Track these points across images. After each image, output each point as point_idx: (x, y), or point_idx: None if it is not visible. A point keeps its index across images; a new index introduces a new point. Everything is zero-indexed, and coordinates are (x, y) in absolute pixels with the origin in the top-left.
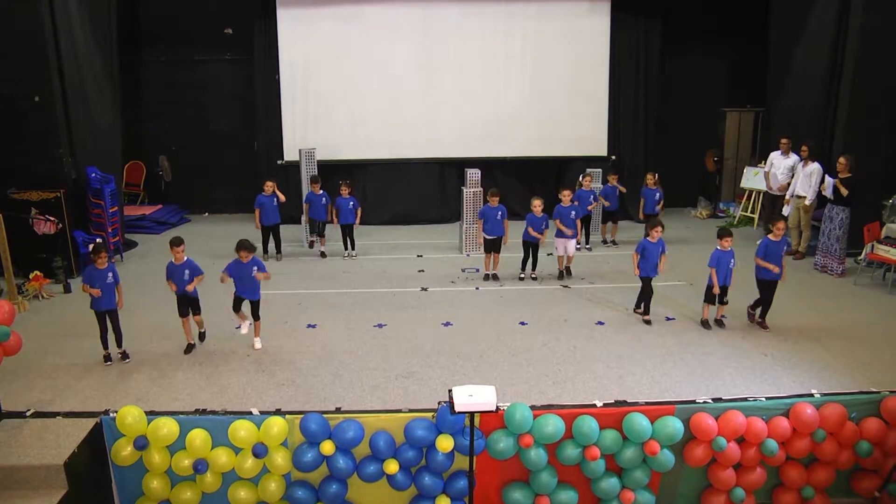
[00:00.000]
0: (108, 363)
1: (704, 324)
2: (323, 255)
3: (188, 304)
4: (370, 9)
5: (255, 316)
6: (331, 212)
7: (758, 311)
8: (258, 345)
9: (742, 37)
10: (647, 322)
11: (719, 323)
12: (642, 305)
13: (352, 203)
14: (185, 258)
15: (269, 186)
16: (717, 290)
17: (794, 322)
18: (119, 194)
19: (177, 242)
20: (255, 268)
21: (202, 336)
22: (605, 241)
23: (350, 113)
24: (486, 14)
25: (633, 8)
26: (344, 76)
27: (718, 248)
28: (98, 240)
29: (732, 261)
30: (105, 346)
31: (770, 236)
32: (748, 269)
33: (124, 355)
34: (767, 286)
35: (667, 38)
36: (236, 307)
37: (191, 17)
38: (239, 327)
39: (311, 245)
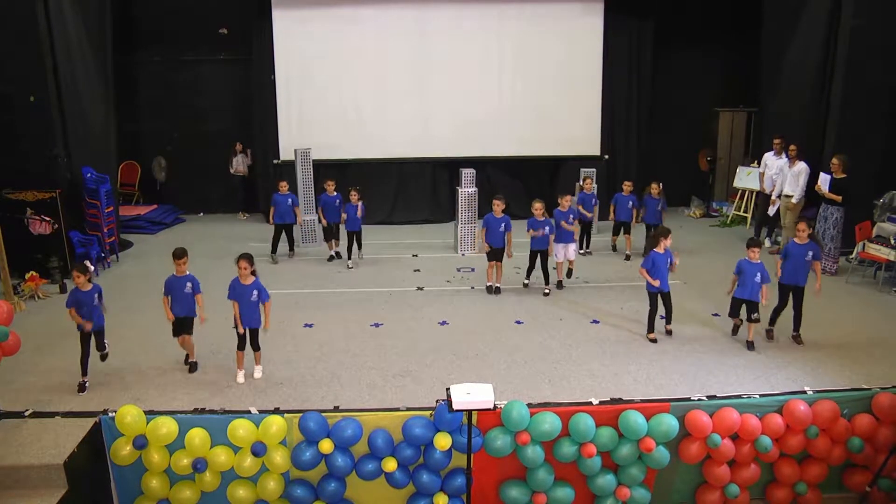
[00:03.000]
0: (82, 392)
1: (735, 329)
2: (337, 255)
3: (183, 325)
4: (365, 9)
5: (255, 346)
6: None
7: (777, 325)
8: (258, 374)
9: (735, 37)
10: (669, 332)
11: (749, 345)
12: (660, 321)
13: (357, 210)
14: (188, 272)
15: (284, 186)
16: (728, 292)
17: (788, 320)
18: (114, 194)
19: (179, 255)
20: (256, 292)
21: (193, 367)
22: (615, 248)
23: (345, 113)
24: (480, 15)
25: (626, 8)
26: (339, 76)
27: (746, 258)
28: (85, 262)
29: (759, 274)
30: (84, 372)
31: (795, 240)
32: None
33: (104, 357)
34: (785, 291)
35: (660, 39)
36: (240, 344)
37: (185, 17)
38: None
39: (331, 258)
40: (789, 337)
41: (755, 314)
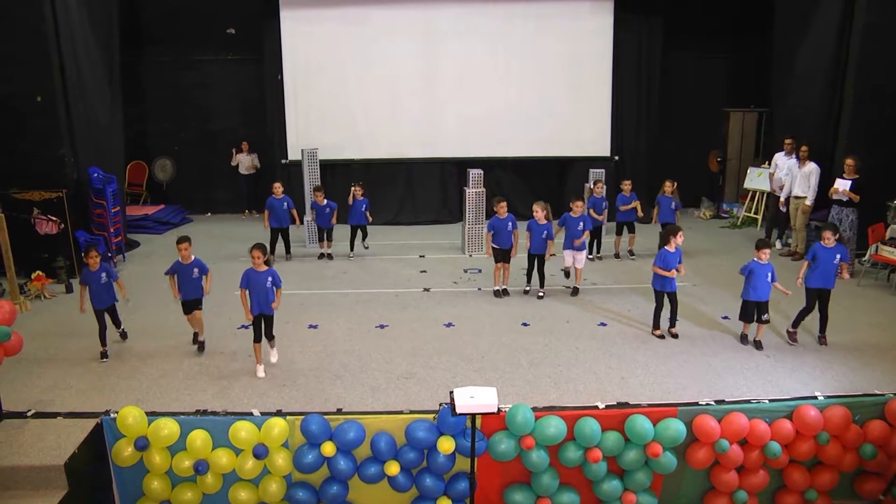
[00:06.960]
0: (105, 360)
1: (743, 338)
2: (325, 257)
3: (192, 304)
4: (373, 9)
5: (269, 335)
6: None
7: (799, 327)
8: (274, 358)
9: (745, 37)
10: (675, 335)
11: (757, 345)
12: (665, 321)
13: (364, 206)
14: (193, 257)
15: (278, 189)
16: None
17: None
18: (121, 194)
19: (182, 240)
20: (270, 279)
21: (201, 346)
22: (618, 255)
23: (352, 113)
24: (488, 14)
25: (636, 7)
26: (346, 76)
27: (755, 259)
28: (90, 239)
29: (770, 274)
30: (103, 343)
31: (822, 243)
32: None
33: (123, 334)
34: (813, 294)
35: (670, 38)
36: (257, 336)
37: (193, 16)
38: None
39: (321, 256)
40: (815, 338)
41: (766, 315)
